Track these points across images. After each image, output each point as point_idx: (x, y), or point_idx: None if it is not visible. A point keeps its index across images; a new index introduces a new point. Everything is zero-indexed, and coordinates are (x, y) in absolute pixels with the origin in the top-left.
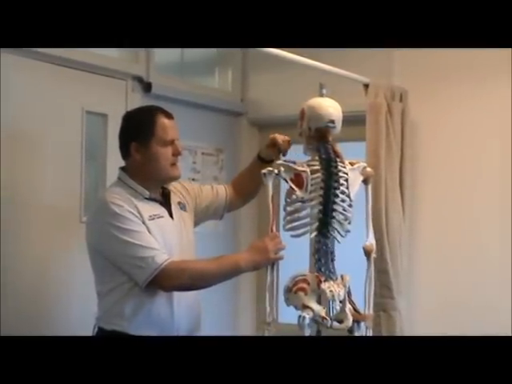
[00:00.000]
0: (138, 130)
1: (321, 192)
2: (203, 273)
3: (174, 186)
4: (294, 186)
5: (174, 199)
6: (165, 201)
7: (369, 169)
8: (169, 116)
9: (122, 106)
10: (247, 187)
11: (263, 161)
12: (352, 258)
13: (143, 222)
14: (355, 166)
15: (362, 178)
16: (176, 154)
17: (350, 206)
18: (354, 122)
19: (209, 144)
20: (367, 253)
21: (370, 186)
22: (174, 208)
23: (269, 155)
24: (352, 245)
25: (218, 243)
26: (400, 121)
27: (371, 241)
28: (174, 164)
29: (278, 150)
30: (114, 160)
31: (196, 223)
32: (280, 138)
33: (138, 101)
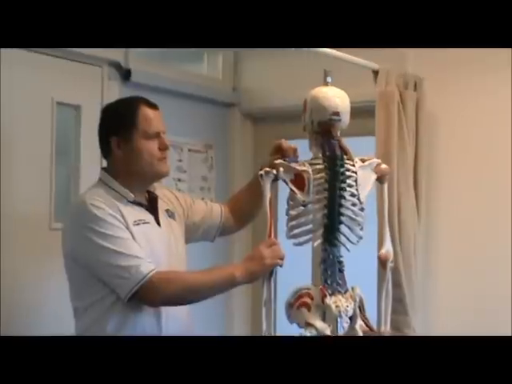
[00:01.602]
0: (119, 123)
1: (325, 194)
2: (193, 285)
3: (162, 193)
4: (294, 188)
5: (162, 206)
6: (151, 206)
7: (384, 165)
8: (153, 106)
9: (97, 95)
10: (245, 209)
11: None
12: (365, 267)
13: (127, 228)
14: (366, 163)
15: (375, 177)
16: (163, 147)
17: (361, 209)
18: (364, 114)
19: (196, 139)
20: (383, 262)
21: (385, 186)
22: (162, 215)
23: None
24: (364, 253)
25: (208, 253)
26: (414, 112)
27: (388, 248)
28: (161, 159)
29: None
30: (89, 158)
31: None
32: (286, 144)
33: (115, 90)
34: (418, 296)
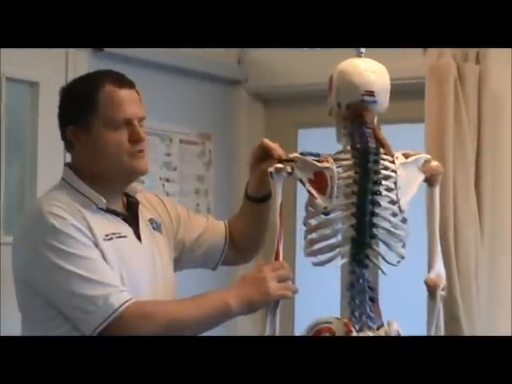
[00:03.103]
0: (75, 107)
1: (353, 199)
2: (178, 320)
3: (145, 198)
4: (313, 191)
5: (145, 215)
6: (130, 215)
7: (434, 162)
8: (123, 84)
9: (59, 70)
10: (247, 238)
11: (255, 200)
12: (409, 296)
13: (96, 244)
14: (411, 160)
15: (422, 177)
16: (134, 139)
17: (402, 221)
18: (410, 94)
19: (190, 127)
20: (431, 290)
21: (437, 189)
22: (144, 226)
23: (261, 185)
24: (409, 277)
25: (205, 275)
26: (476, 92)
27: (438, 271)
28: (133, 154)
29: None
30: (50, 151)
31: (174, 267)
32: (272, 144)
33: (83, 63)
34: (481, 333)
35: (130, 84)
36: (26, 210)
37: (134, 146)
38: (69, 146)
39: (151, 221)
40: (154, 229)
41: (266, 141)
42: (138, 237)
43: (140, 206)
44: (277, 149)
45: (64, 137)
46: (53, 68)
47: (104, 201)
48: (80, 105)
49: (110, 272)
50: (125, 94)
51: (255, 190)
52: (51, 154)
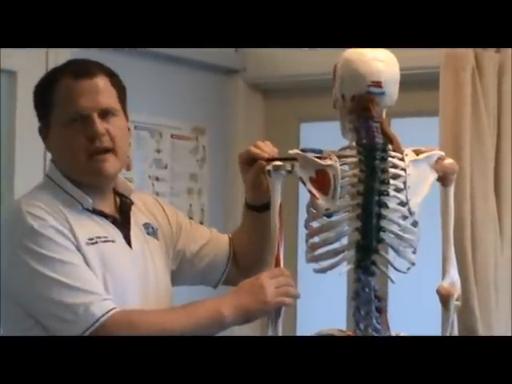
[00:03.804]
0: (38, 103)
1: (358, 200)
2: (165, 329)
3: (141, 200)
4: (314, 191)
5: (139, 218)
6: (121, 218)
7: (448, 160)
8: (80, 74)
9: (39, 58)
10: (249, 253)
11: (255, 208)
12: (421, 307)
13: (78, 248)
14: (422, 157)
15: (435, 176)
16: (90, 136)
17: (413, 224)
18: (423, 84)
19: (182, 121)
20: (444, 299)
21: (451, 189)
22: (136, 230)
23: (257, 191)
24: (421, 286)
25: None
26: (496, 82)
27: (452, 279)
28: (92, 153)
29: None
30: (29, 146)
31: (172, 281)
32: (257, 149)
33: (65, 51)
34: None
35: (90, 73)
36: (4, 210)
37: (91, 143)
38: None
39: (146, 225)
40: (148, 234)
41: (251, 148)
42: (129, 242)
43: (134, 209)
44: (264, 147)
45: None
46: (32, 56)
47: (90, 201)
48: (42, 101)
49: (92, 279)
50: (82, 85)
51: (253, 198)
52: (30, 148)
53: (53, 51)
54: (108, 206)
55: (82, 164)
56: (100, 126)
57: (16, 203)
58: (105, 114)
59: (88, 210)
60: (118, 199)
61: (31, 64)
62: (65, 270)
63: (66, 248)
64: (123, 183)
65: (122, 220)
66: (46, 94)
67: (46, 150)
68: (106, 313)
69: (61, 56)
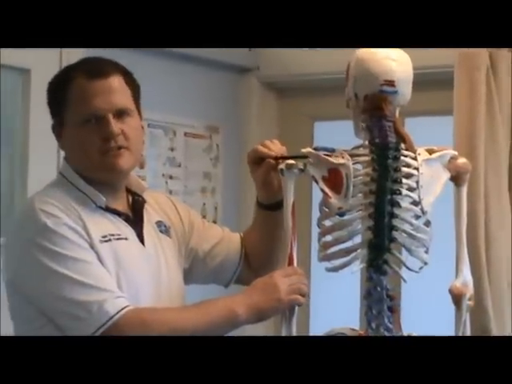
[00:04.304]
0: (52, 102)
1: (370, 199)
2: (178, 328)
3: (153, 198)
4: (326, 190)
5: (152, 216)
6: (134, 216)
7: (462, 159)
8: (95, 73)
9: (53, 56)
10: (261, 253)
11: (266, 207)
12: (434, 307)
13: (91, 246)
14: (435, 156)
15: (448, 176)
16: (104, 137)
17: (426, 223)
18: (437, 84)
19: (196, 119)
20: (456, 299)
21: (464, 189)
22: (149, 228)
23: (268, 190)
24: (434, 285)
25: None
26: (510, 81)
27: (465, 279)
28: (105, 152)
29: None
30: (42, 144)
31: (184, 279)
32: (265, 147)
33: (78, 49)
34: None
35: (104, 73)
36: (17, 209)
37: (105, 143)
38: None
39: (159, 223)
40: (161, 232)
41: (258, 147)
42: (142, 239)
43: (146, 207)
44: (272, 146)
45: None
46: (46, 54)
47: (103, 199)
48: (55, 100)
49: (106, 276)
50: (96, 85)
51: (265, 196)
52: (43, 147)
53: (66, 49)
54: (121, 203)
55: (96, 161)
56: (115, 126)
57: (29, 201)
58: (120, 114)
59: (101, 207)
60: (130, 197)
61: (45, 62)
62: (78, 268)
63: (79, 246)
64: (136, 181)
65: (134, 218)
66: (60, 92)
67: (59, 148)
68: (120, 310)
69: (74, 54)
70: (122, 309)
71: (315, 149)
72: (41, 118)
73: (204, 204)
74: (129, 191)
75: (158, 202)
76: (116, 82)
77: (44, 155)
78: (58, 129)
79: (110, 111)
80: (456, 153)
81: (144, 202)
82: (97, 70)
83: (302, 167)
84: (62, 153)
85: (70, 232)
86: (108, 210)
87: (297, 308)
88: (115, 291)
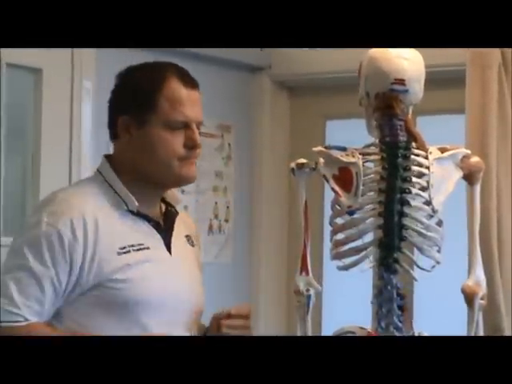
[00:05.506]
0: (134, 98)
1: (380, 197)
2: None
3: (181, 216)
4: (337, 188)
5: (181, 229)
6: (165, 224)
7: (474, 158)
8: (188, 81)
9: (64, 56)
10: None
11: None
12: (446, 305)
13: (75, 264)
14: (447, 155)
15: (460, 175)
16: (190, 145)
17: (438, 223)
18: (449, 83)
19: (208, 118)
20: (469, 298)
21: (477, 187)
22: (178, 238)
23: None
24: (447, 284)
25: (224, 277)
26: None
27: (477, 278)
28: (185, 159)
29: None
30: (54, 143)
31: None
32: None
33: (90, 49)
34: None
35: (194, 83)
36: (29, 206)
37: (188, 151)
38: (113, 135)
39: (188, 237)
40: (188, 243)
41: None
42: (169, 248)
43: (177, 219)
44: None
45: (112, 125)
46: (57, 54)
47: (136, 203)
48: (139, 97)
49: (37, 294)
50: (188, 94)
51: None
52: (55, 145)
53: (78, 49)
54: (154, 211)
55: (174, 168)
56: (198, 137)
57: (52, 195)
58: (198, 126)
59: (132, 211)
60: (164, 207)
61: (57, 62)
62: (21, 277)
63: (50, 260)
64: (171, 193)
65: (165, 226)
66: (149, 93)
67: (118, 143)
68: (13, 322)
69: (86, 55)
70: (16, 321)
71: (326, 147)
72: (52, 117)
73: (216, 203)
74: (163, 201)
75: (183, 217)
76: (199, 95)
77: (55, 155)
78: (129, 125)
79: (195, 122)
80: (468, 151)
81: (177, 213)
82: (190, 79)
83: (313, 166)
84: (75, 152)
85: (56, 243)
86: (139, 214)
87: (311, 305)
88: (35, 308)
